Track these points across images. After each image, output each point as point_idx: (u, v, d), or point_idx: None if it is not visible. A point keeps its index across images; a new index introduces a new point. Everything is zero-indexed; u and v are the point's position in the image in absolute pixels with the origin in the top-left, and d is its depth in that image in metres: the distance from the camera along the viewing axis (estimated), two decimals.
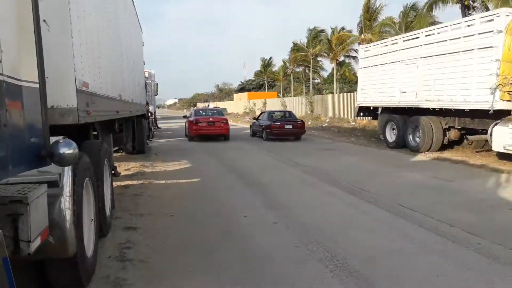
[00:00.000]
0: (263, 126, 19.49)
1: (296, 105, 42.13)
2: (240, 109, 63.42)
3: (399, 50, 14.25)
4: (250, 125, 22.73)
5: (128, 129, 11.20)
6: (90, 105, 4.00)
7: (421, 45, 13.10)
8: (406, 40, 14.12)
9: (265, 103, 51.35)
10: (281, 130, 18.73)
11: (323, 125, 28.40)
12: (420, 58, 13.14)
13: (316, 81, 72.90)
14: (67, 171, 3.05)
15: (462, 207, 6.48)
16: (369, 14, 38.92)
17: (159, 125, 31.57)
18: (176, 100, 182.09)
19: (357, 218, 5.96)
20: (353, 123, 27.49)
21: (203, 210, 6.37)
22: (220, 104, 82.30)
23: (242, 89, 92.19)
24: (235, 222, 5.77)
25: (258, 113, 32.94)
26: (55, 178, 2.96)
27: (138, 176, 9.17)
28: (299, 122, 19.65)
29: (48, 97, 3.27)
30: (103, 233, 4.75)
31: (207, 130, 19.06)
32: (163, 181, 8.66)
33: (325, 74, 66.71)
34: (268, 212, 6.24)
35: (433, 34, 12.69)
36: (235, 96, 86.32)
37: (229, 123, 20.73)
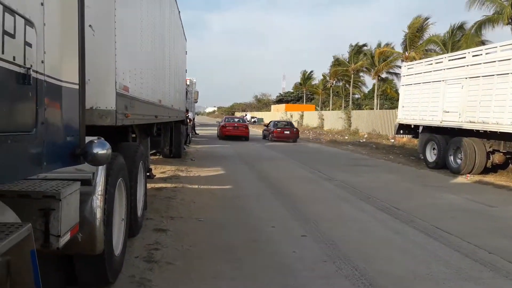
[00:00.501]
0: (270, 131, 26.98)
1: (334, 119, 41.75)
2: (277, 120, 63.44)
3: (444, 69, 13.85)
4: (263, 130, 30.85)
5: (166, 134, 11.45)
6: (129, 108, 4.12)
7: (467, 65, 12.67)
8: (452, 60, 13.72)
9: (302, 115, 51.19)
10: (281, 134, 25.96)
11: (361, 140, 27.89)
12: (466, 78, 12.69)
13: (356, 96, 72.01)
14: (101, 171, 3.14)
15: (503, 234, 6.16)
16: (415, 31, 38.12)
17: (197, 131, 32.10)
18: (215, 108, 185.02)
19: (390, 237, 5.78)
20: (392, 140, 26.87)
21: (233, 218, 6.39)
22: (258, 114, 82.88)
23: (280, 100, 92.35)
24: (263, 231, 5.74)
25: (294, 124, 37.06)
26: (88, 176, 3.06)
27: (173, 179, 9.35)
28: (295, 130, 27.10)
29: (88, 98, 3.41)
30: (133, 233, 4.86)
31: (232, 132, 25.57)
32: (196, 186, 8.77)
33: (365, 90, 65.73)
34: (297, 224, 6.18)
35: (481, 54, 12.24)
36: (273, 107, 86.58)
37: None
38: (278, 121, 30.58)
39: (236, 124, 26.50)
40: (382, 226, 6.37)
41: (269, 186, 9.32)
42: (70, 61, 2.39)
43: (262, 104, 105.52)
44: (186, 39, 15.29)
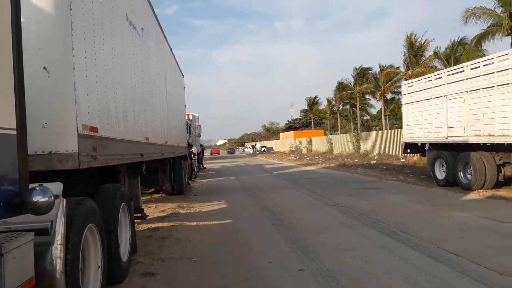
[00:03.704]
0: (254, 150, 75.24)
1: (343, 142, 41.41)
2: (286, 147, 63.33)
3: (444, 84, 13.65)
4: (251, 147, 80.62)
5: (165, 171, 11.32)
6: (99, 149, 3.97)
7: (467, 79, 12.45)
8: (451, 74, 13.52)
9: (310, 141, 50.96)
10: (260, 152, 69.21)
11: (371, 162, 27.44)
12: (466, 91, 12.45)
13: (365, 118, 71.76)
14: (60, 218, 2.96)
15: None
16: (414, 50, 38.22)
17: (205, 165, 32.01)
18: (226, 141, 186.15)
19: (394, 264, 5.43)
20: (403, 160, 26.39)
21: (228, 255, 6.10)
22: (267, 143, 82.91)
23: (289, 127, 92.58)
24: (259, 268, 5.44)
25: (304, 150, 50.40)
26: (45, 225, 2.87)
27: (171, 217, 9.11)
28: (268, 148, 73.13)
29: (46, 142, 3.30)
30: (117, 280, 4.62)
31: (213, 151, 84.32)
32: (195, 223, 8.52)
33: (374, 111, 65.54)
34: (295, 257, 5.86)
35: (479, 67, 12.03)
36: (281, 135, 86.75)
37: (273, 161, 39.76)
38: (256, 144, 74.21)
39: (216, 151, 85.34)
40: (386, 252, 6.02)
41: (271, 218, 9.02)
42: (4, 105, 2.25)
43: (271, 133, 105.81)
44: (183, 75, 15.42)
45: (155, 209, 10.36)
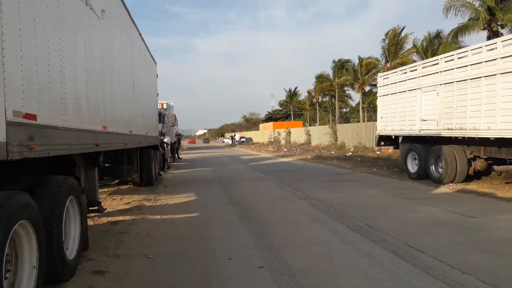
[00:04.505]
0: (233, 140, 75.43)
1: (321, 134, 41.49)
2: (265, 138, 63.22)
3: (419, 77, 13.59)
4: (231, 137, 79.28)
5: (132, 161, 10.94)
6: (38, 138, 3.63)
7: (441, 71, 12.41)
8: (426, 67, 13.47)
9: (289, 132, 50.93)
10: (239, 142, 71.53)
11: (347, 154, 27.52)
12: (440, 84, 12.42)
13: (345, 110, 72.18)
14: None
15: (480, 249, 5.69)
16: (394, 43, 38.45)
17: (181, 156, 31.53)
18: (206, 131, 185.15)
19: (355, 261, 5.26)
20: (378, 152, 26.57)
21: (188, 251, 5.83)
22: (247, 134, 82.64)
23: (269, 118, 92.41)
24: (218, 265, 5.20)
25: (282, 142, 51.19)
26: None
27: (134, 210, 8.77)
28: (247, 139, 74.78)
29: None
30: (61, 279, 4.30)
31: (190, 141, 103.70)
32: (158, 217, 8.20)
33: (353, 103, 66.01)
34: (257, 253, 5.64)
35: (453, 60, 11.99)
36: (261, 126, 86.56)
37: (251, 152, 40.04)
38: (235, 135, 79.02)
39: (192, 141, 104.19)
40: (350, 248, 5.86)
41: (239, 211, 8.78)
42: None
43: (251, 123, 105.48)
44: (155, 62, 14.94)
45: (120, 201, 9.98)
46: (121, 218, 7.88)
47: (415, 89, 13.71)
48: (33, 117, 3.60)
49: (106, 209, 7.33)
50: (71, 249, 4.75)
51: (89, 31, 5.67)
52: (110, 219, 7.78)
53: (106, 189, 11.88)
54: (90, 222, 7.43)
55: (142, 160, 12.27)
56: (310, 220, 7.85)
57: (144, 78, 11.58)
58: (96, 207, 6.50)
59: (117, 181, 10.49)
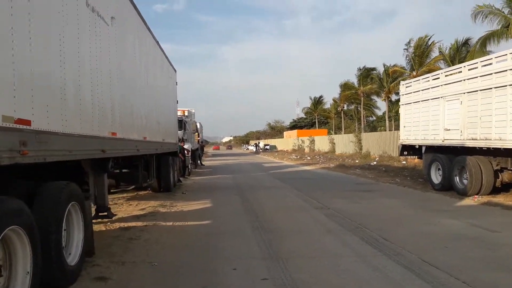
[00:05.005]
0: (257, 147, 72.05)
1: (346, 142, 40.93)
2: (289, 146, 62.94)
3: (442, 85, 13.16)
4: (255, 145, 76.50)
5: (149, 167, 10.99)
6: (32, 144, 3.62)
7: (465, 80, 11.97)
8: (448, 75, 13.04)
9: (312, 140, 50.50)
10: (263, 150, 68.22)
11: (371, 164, 26.99)
12: (464, 93, 11.97)
13: (371, 119, 71.15)
14: None
15: (499, 266, 5.37)
16: (421, 51, 37.73)
17: (204, 163, 31.70)
18: (231, 138, 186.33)
19: (364, 276, 5.04)
20: (404, 162, 25.93)
21: (194, 259, 5.75)
22: (271, 141, 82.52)
23: (294, 126, 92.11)
24: (221, 275, 5.09)
25: (306, 150, 51.62)
26: None
27: (148, 217, 8.77)
28: (271, 147, 71.09)
29: None
30: (60, 285, 4.28)
31: (215, 147, 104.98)
32: (170, 223, 8.17)
33: (380, 112, 64.98)
34: (263, 264, 5.49)
35: (477, 67, 11.54)
36: (285, 133, 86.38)
37: (274, 160, 41.04)
38: (259, 143, 76.17)
39: (216, 147, 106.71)
40: (361, 262, 5.63)
41: (252, 220, 8.64)
42: None
43: (276, 131, 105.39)
44: (175, 70, 15.08)
45: (136, 207, 10.04)
46: (133, 224, 7.89)
47: (438, 97, 13.29)
48: (27, 122, 3.60)
49: (115, 214, 7.37)
50: (73, 255, 4.74)
51: (96, 36, 5.70)
52: (122, 224, 7.80)
53: (124, 195, 12.00)
54: (102, 228, 7.50)
55: (160, 167, 12.34)
56: (323, 231, 7.64)
57: (161, 85, 11.67)
58: (105, 213, 6.51)
59: (133, 187, 10.55)
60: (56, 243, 4.12)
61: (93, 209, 6.40)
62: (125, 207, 10.03)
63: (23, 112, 3.52)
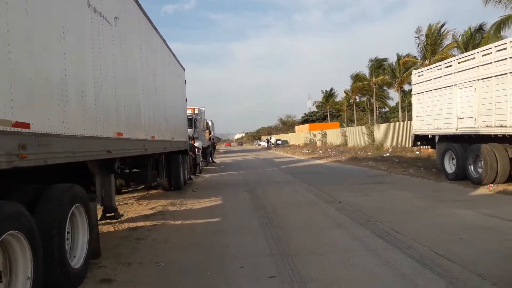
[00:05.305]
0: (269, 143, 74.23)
1: (358, 134, 40.55)
2: (301, 140, 62.62)
3: (454, 72, 12.88)
4: (266, 140, 78.54)
5: (158, 166, 10.97)
6: (32, 147, 3.58)
7: (478, 66, 11.67)
8: (462, 62, 12.73)
9: (324, 134, 50.15)
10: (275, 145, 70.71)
11: (384, 155, 26.68)
12: (478, 80, 11.68)
13: (384, 110, 70.34)
14: None
15: None
16: (433, 39, 37.06)
17: (215, 160, 31.72)
18: (243, 134, 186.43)
19: (374, 271, 4.91)
20: (417, 152, 25.56)
21: (201, 258, 5.68)
22: (283, 136, 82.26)
23: (306, 120, 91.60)
24: (228, 273, 5.01)
25: (318, 143, 51.27)
26: None
27: (157, 216, 8.74)
28: (283, 142, 73.11)
29: None
30: None
31: (226, 144, 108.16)
32: (179, 222, 8.12)
33: (393, 103, 64.23)
34: (271, 261, 5.40)
35: (491, 53, 11.23)
36: (297, 128, 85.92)
37: (285, 155, 40.87)
38: (270, 138, 78.21)
39: (228, 144, 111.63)
40: (372, 256, 5.50)
41: (262, 216, 8.55)
42: None
43: (287, 126, 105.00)
44: (183, 68, 15.02)
45: (145, 206, 10.02)
46: (141, 224, 7.86)
47: (451, 85, 13.00)
48: (26, 125, 3.55)
49: (123, 215, 7.35)
50: (78, 258, 4.70)
51: (99, 36, 5.65)
52: (131, 224, 7.78)
53: (135, 194, 12.01)
54: (110, 228, 7.49)
55: (170, 165, 12.32)
56: (333, 225, 7.51)
57: (169, 84, 11.62)
58: (112, 214, 6.49)
59: (142, 186, 10.54)
60: (59, 246, 4.08)
61: (100, 210, 6.40)
62: (135, 207, 10.03)
63: (22, 115, 3.47)
